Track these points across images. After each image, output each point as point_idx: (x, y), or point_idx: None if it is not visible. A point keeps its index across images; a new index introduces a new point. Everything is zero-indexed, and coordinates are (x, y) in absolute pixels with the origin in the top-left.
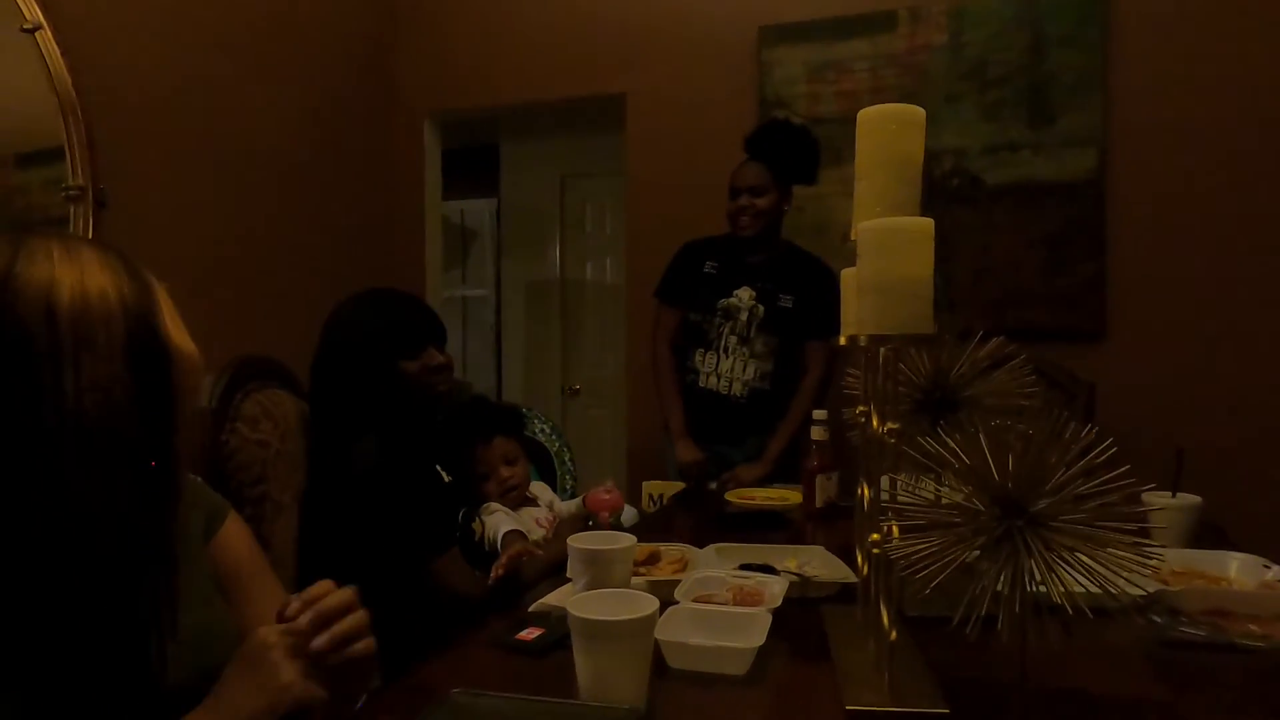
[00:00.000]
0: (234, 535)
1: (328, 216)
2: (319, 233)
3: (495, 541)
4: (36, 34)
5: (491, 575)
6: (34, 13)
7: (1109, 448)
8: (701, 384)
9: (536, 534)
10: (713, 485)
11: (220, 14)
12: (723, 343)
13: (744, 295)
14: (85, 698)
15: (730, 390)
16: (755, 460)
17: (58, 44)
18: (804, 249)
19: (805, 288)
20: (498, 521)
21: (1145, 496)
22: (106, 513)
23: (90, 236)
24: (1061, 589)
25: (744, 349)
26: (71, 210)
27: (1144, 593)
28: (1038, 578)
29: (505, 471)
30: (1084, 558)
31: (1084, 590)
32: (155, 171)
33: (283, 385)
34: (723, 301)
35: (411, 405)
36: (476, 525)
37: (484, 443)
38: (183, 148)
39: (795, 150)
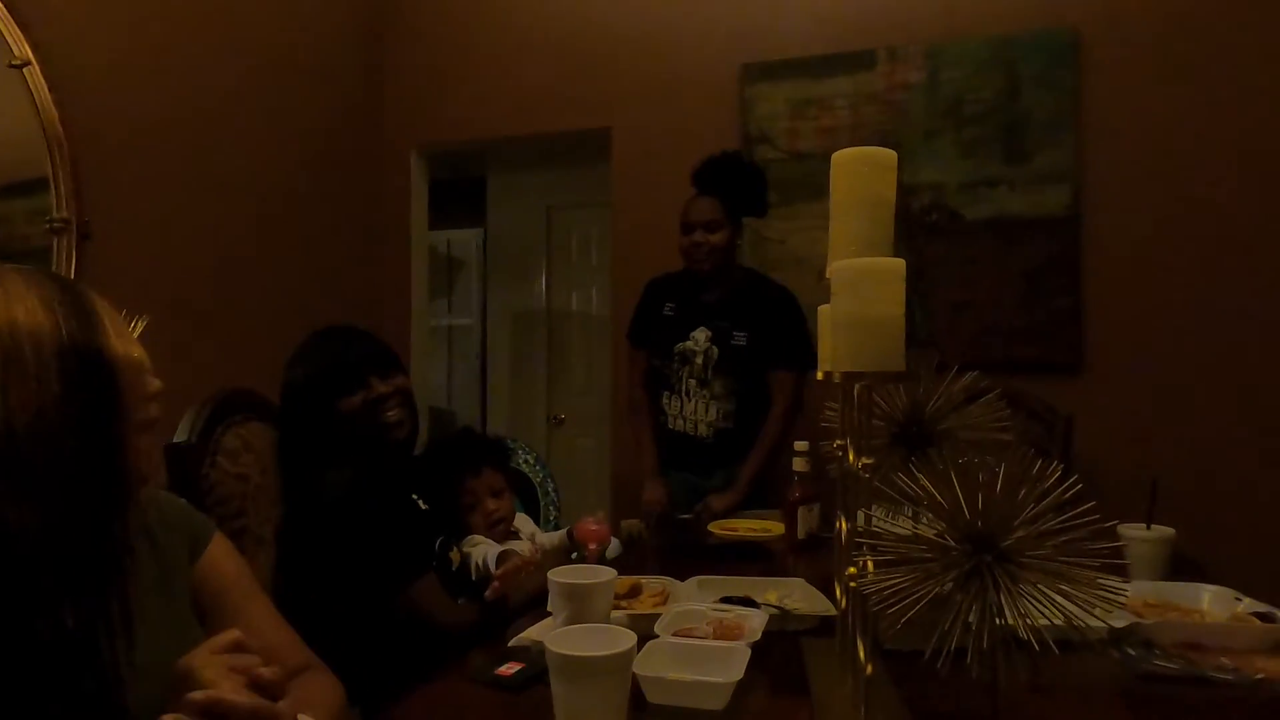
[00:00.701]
0: (220, 556)
1: (315, 247)
2: (306, 264)
3: (485, 566)
4: (24, 69)
5: (490, 590)
6: (23, 49)
7: (1075, 484)
8: (671, 426)
9: (524, 548)
10: (687, 516)
11: (207, 49)
12: (683, 386)
13: (699, 337)
14: None
15: (696, 431)
16: (726, 489)
17: (45, 79)
18: (765, 276)
19: (763, 320)
20: (485, 549)
21: (1120, 529)
22: (46, 535)
23: (74, 268)
24: (1027, 623)
25: (704, 391)
26: (55, 242)
27: (1117, 626)
28: (1006, 612)
29: (492, 504)
30: (1049, 592)
31: (1051, 624)
32: (141, 205)
33: (263, 418)
34: (679, 345)
35: (360, 440)
36: (454, 555)
37: (473, 474)
38: (169, 181)
39: (744, 183)
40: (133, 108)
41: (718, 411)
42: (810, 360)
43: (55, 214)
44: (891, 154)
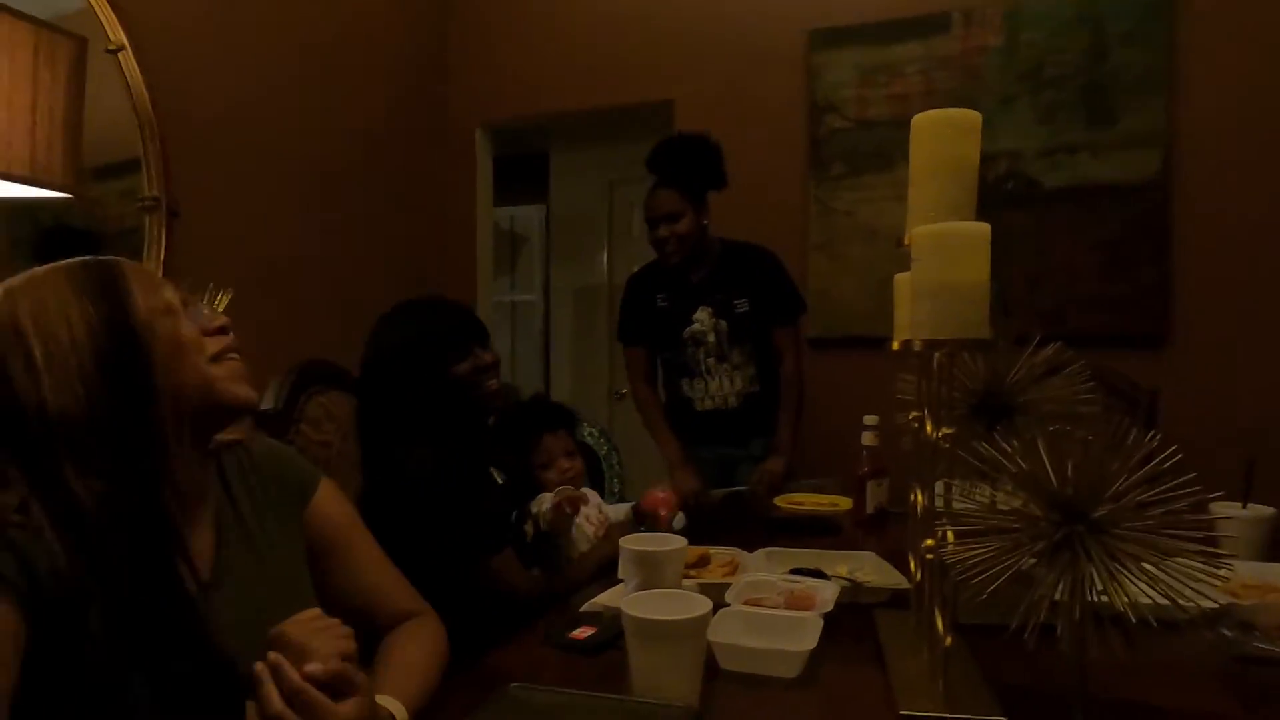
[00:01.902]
0: (328, 501)
1: (384, 224)
2: (375, 240)
3: (547, 512)
4: (119, 54)
5: (554, 508)
6: (118, 34)
7: (1173, 454)
8: (698, 408)
9: (588, 530)
10: (742, 489)
11: (283, 33)
12: (702, 367)
13: (703, 317)
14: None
15: (726, 404)
16: (768, 456)
17: (138, 64)
18: (739, 241)
19: (754, 283)
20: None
21: (1213, 506)
22: (114, 501)
23: (164, 245)
24: (1125, 599)
25: (724, 365)
26: (146, 220)
27: (1213, 605)
28: (1099, 586)
29: (565, 463)
30: (1149, 567)
31: (1150, 601)
32: (223, 183)
33: (343, 388)
34: (686, 331)
35: (466, 405)
36: (529, 527)
37: (550, 432)
38: (248, 160)
39: (698, 162)
40: (214, 89)
41: (743, 379)
42: (802, 306)
43: (146, 193)
44: (975, 115)
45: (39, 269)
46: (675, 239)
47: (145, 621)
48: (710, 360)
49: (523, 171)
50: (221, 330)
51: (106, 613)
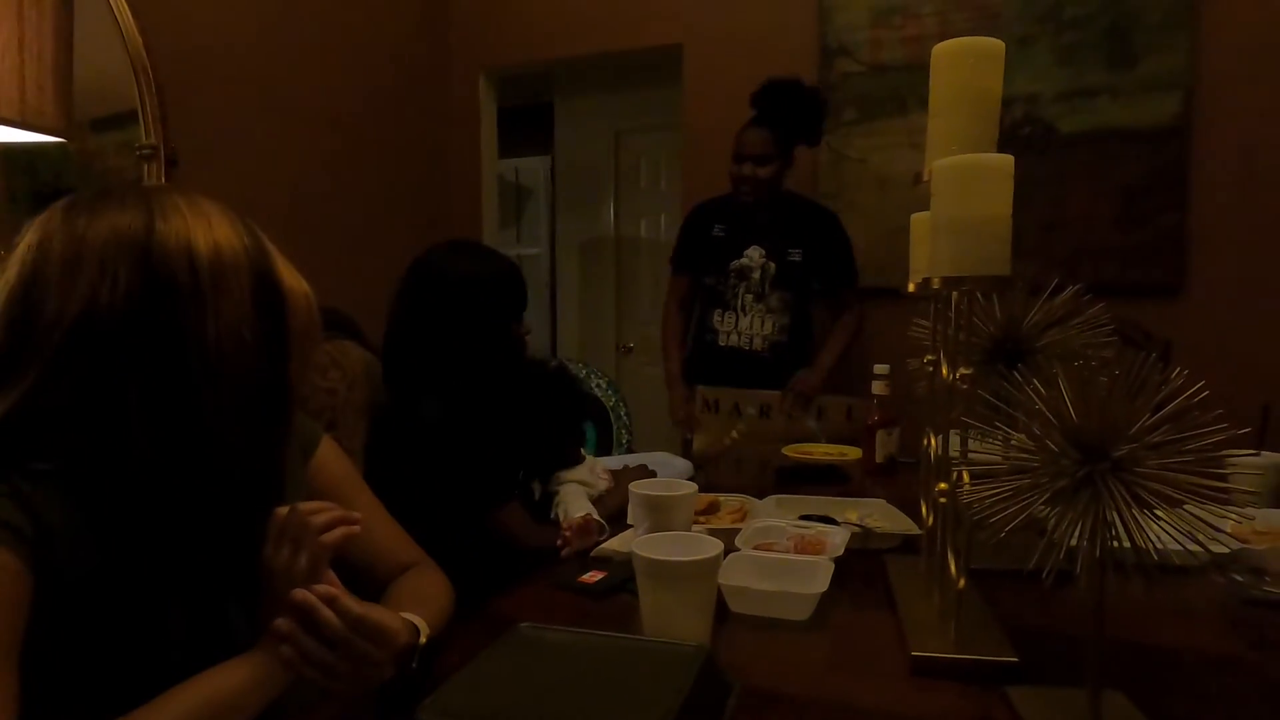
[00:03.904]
0: (328, 458)
1: (387, 175)
2: (379, 191)
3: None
4: None
5: (561, 541)
6: None
7: (1200, 390)
8: (722, 343)
9: (600, 485)
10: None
11: None
12: (739, 302)
13: (754, 254)
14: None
15: (751, 345)
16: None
17: (129, 6)
18: (806, 197)
19: (814, 238)
20: (571, 504)
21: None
22: (239, 448)
23: None
24: (1148, 541)
25: (760, 306)
26: (145, 169)
27: (1225, 550)
28: (1119, 528)
29: None
30: (1171, 508)
31: (1174, 544)
32: (221, 129)
33: (348, 335)
34: (735, 262)
35: (507, 365)
36: (535, 486)
37: None
38: (247, 106)
39: (802, 114)
40: (209, 33)
41: (774, 325)
42: (855, 275)
43: (144, 141)
44: (999, 44)
45: (191, 195)
46: (754, 181)
47: (221, 561)
48: (748, 297)
49: (527, 123)
50: (314, 335)
51: (191, 546)
